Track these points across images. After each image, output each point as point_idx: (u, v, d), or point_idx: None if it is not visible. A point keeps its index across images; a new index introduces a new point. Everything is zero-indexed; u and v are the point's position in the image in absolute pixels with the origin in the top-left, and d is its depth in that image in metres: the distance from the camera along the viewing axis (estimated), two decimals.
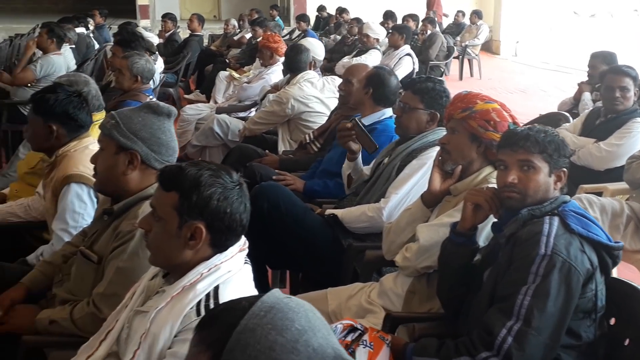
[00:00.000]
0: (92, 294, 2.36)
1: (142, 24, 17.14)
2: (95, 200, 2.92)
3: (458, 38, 13.18)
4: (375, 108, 3.96)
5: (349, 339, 2.18)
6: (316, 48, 5.77)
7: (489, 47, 16.62)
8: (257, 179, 3.89)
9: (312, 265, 3.31)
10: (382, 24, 10.15)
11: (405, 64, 7.91)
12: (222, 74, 8.87)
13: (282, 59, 6.89)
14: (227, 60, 10.13)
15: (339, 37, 12.97)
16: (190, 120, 6.90)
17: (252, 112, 6.89)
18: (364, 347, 2.14)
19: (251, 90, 6.97)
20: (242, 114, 6.68)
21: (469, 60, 13.08)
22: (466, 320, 2.31)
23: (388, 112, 3.99)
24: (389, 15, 11.41)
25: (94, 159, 2.39)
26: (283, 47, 6.91)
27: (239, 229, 1.86)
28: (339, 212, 3.24)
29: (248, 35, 10.92)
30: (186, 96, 9.59)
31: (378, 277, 2.96)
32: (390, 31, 8.56)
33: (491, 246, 2.34)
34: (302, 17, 12.01)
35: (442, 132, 3.21)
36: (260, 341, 1.10)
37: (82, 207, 2.88)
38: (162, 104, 2.48)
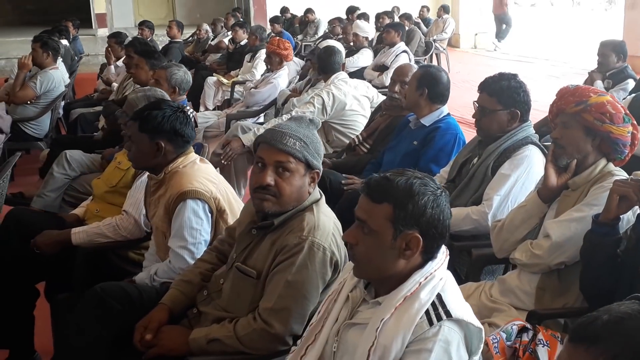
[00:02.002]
0: (255, 309, 2.37)
1: (100, 33, 16.85)
2: (210, 215, 2.91)
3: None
4: (433, 107, 4.03)
5: (525, 338, 2.24)
6: (340, 49, 5.80)
7: (449, 41, 16.89)
8: (327, 185, 3.92)
9: None
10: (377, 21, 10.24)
11: (402, 61, 7.98)
12: (210, 80, 8.85)
13: (288, 64, 6.96)
14: (207, 66, 10.07)
15: (307, 38, 13.07)
16: (198, 129, 6.85)
17: (262, 118, 6.90)
18: (542, 347, 2.21)
19: (259, 96, 6.96)
20: (251, 120, 6.67)
21: (436, 54, 13.30)
22: None
23: (445, 109, 4.07)
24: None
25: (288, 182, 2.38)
26: (292, 54, 6.95)
27: (447, 235, 1.91)
28: None
29: (226, 39, 10.87)
30: None
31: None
32: (386, 29, 8.63)
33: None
34: (276, 19, 12.03)
35: (529, 129, 3.31)
36: None
37: (199, 223, 2.86)
38: (308, 116, 2.49)
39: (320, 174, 2.44)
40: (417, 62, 10.25)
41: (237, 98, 8.40)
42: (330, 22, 10.91)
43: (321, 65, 5.27)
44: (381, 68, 8.20)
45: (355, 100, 5.14)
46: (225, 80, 8.93)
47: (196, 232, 2.86)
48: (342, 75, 5.27)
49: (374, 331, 1.82)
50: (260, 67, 8.70)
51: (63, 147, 5.42)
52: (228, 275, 2.50)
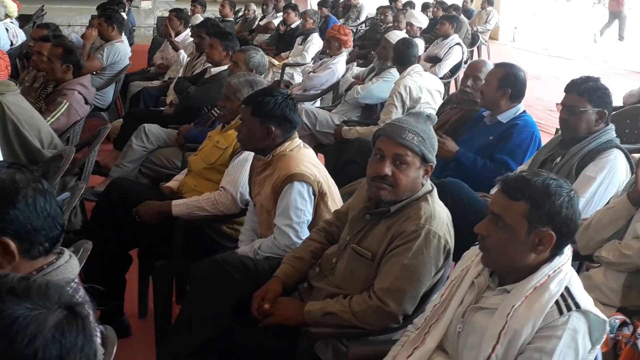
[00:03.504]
0: (368, 288, 2.56)
1: (143, 5, 17.01)
2: (312, 198, 3.09)
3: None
4: (511, 105, 4.18)
5: (626, 332, 2.42)
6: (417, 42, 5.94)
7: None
8: None
9: None
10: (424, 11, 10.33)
11: (456, 53, 8.14)
12: None
13: (348, 50, 7.11)
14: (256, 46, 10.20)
15: (349, 23, 13.16)
16: None
17: (318, 102, 7.07)
18: None
19: (317, 80, 7.13)
20: (308, 103, 6.82)
21: (477, 47, 13.35)
22: None
23: (522, 106, 4.22)
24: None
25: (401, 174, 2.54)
26: (351, 40, 7.10)
27: (575, 233, 2.08)
28: None
29: (276, 21, 11.01)
30: None
31: None
32: (441, 20, 8.74)
33: None
34: (324, 3, 12.11)
35: (612, 132, 3.47)
36: None
37: (303, 204, 3.05)
38: (425, 112, 2.67)
39: (434, 167, 2.62)
40: None
41: (286, 80, 8.58)
42: (379, 10, 11.00)
43: (398, 57, 5.40)
44: (433, 60, 8.33)
45: (428, 93, 5.30)
46: (276, 62, 9.09)
47: (301, 212, 3.05)
48: (417, 67, 5.43)
49: (504, 316, 2.00)
50: (311, 50, 8.88)
51: (136, 119, 5.65)
52: (342, 255, 2.69)
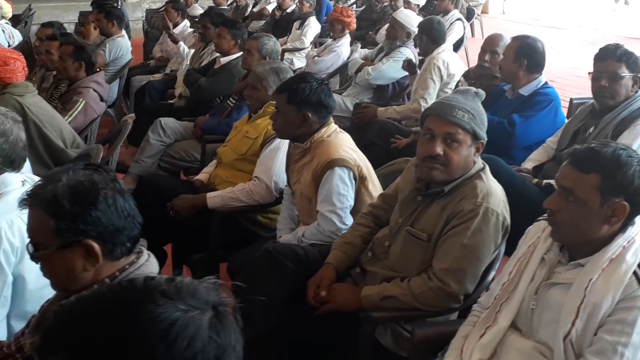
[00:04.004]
0: (426, 269, 2.54)
1: None
2: (353, 182, 3.07)
3: None
4: (531, 77, 4.17)
5: None
6: (411, 20, 5.90)
7: None
8: None
9: None
10: None
11: (457, 29, 8.10)
12: None
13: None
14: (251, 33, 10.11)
15: (340, 4, 13.04)
16: None
17: None
18: None
19: (323, 64, 7.08)
20: None
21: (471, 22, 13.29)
22: None
23: (543, 78, 4.20)
24: None
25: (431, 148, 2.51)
26: (354, 22, 7.05)
27: None
28: (555, 182, 3.43)
29: (269, 7, 10.91)
30: None
31: None
32: None
33: None
34: None
35: None
36: None
37: (345, 189, 3.03)
38: (473, 89, 2.64)
39: (485, 144, 2.60)
40: None
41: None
42: None
43: (433, 35, 5.31)
44: None
45: (458, 70, 5.26)
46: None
47: (343, 197, 3.03)
48: (448, 45, 5.47)
49: (582, 290, 1.99)
50: (309, 34, 8.81)
51: (148, 114, 5.59)
52: (395, 238, 2.67)
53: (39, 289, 2.25)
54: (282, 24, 9.87)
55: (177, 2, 8.35)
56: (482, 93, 2.64)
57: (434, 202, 2.59)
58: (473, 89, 2.64)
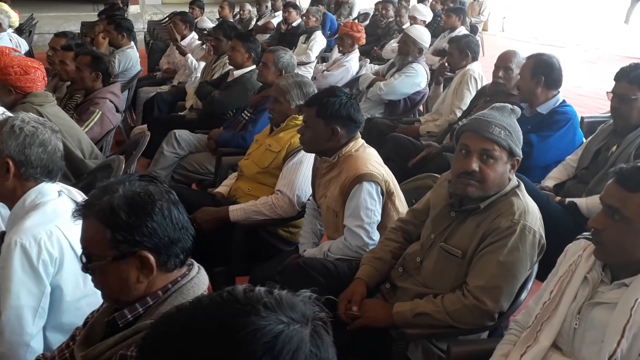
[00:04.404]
0: (459, 286, 2.54)
1: (132, 10, 16.85)
2: (381, 197, 3.06)
3: None
4: (549, 94, 4.18)
5: None
6: (423, 35, 5.93)
7: None
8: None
9: (554, 251, 3.52)
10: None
11: None
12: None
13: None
14: None
15: (341, 19, 13.11)
16: None
17: None
18: None
19: (332, 78, 7.08)
20: None
21: None
22: None
23: (561, 96, 4.21)
24: None
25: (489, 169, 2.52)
26: (364, 37, 7.08)
27: None
28: (579, 201, 3.45)
29: (274, 20, 10.95)
30: None
31: None
32: (447, 13, 8.73)
33: None
34: (320, 1, 12.06)
35: None
36: None
37: (373, 204, 3.03)
38: (509, 105, 2.65)
39: (520, 161, 2.60)
40: None
41: None
42: (379, 5, 10.95)
43: (466, 51, 5.42)
44: (441, 53, 8.29)
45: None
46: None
47: (371, 212, 3.03)
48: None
49: (628, 310, 1.98)
50: (315, 48, 8.83)
51: (160, 126, 5.58)
52: (428, 254, 2.67)
53: (76, 300, 2.24)
54: (287, 38, 9.89)
55: (185, 15, 8.36)
56: (518, 110, 2.65)
57: (468, 219, 2.59)
58: (509, 105, 2.65)
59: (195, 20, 9.80)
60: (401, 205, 3.15)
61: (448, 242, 2.60)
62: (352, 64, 7.07)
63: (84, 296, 2.26)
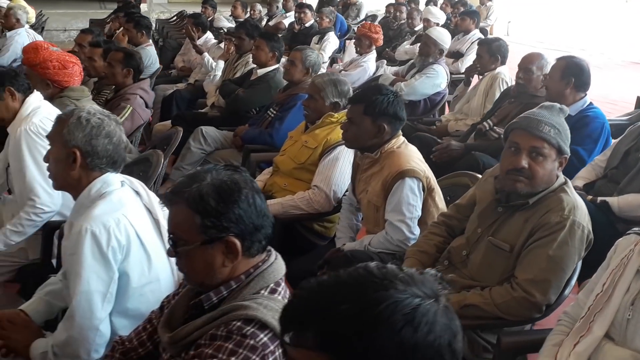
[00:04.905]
0: (507, 279, 2.60)
1: (141, 8, 16.89)
2: (422, 193, 3.13)
3: None
4: (577, 96, 4.25)
5: None
6: (444, 37, 6.01)
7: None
8: (480, 168, 4.14)
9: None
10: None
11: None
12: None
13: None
14: None
15: (349, 20, 13.18)
16: None
17: None
18: None
19: (349, 78, 7.06)
20: None
21: None
22: None
23: (588, 98, 4.28)
24: None
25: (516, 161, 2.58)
26: (381, 38, 7.15)
27: None
28: (611, 200, 3.51)
29: (286, 21, 11.01)
30: None
31: None
32: (461, 16, 8.80)
33: None
34: (330, 2, 12.12)
35: None
36: None
37: (414, 200, 3.10)
38: (557, 105, 2.72)
39: (568, 159, 2.66)
40: None
41: None
42: (392, 6, 11.03)
43: (496, 54, 5.52)
44: (455, 55, 8.38)
45: None
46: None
47: (412, 207, 3.10)
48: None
49: None
50: (328, 49, 8.91)
51: (184, 122, 5.63)
52: (475, 248, 2.73)
53: (140, 286, 2.30)
54: (299, 38, 9.94)
55: (198, 17, 8.39)
56: (566, 109, 2.72)
57: (516, 214, 2.65)
58: (558, 104, 2.72)
59: (209, 19, 9.90)
60: (440, 201, 3.21)
61: (496, 236, 2.67)
62: (370, 64, 7.14)
63: (148, 283, 2.32)
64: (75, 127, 2.34)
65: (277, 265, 1.84)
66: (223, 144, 5.13)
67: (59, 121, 2.39)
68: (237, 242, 1.74)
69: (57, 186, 2.47)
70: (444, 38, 6.00)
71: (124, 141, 2.45)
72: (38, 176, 3.16)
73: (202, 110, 6.28)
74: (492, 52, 5.45)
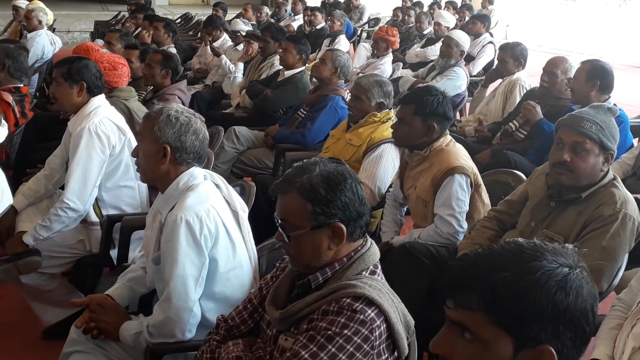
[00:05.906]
0: None
1: None
2: (470, 189, 3.30)
3: None
4: (602, 98, 4.43)
5: None
6: (465, 39, 6.20)
7: None
8: (512, 166, 4.31)
9: None
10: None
11: (488, 52, 8.39)
12: None
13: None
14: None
15: (351, 24, 13.36)
16: None
17: None
18: None
19: None
20: None
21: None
22: None
23: (611, 100, 4.46)
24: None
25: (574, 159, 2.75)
26: (398, 41, 7.33)
27: None
28: None
29: (294, 24, 11.17)
30: None
31: None
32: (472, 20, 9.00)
33: None
34: (336, 5, 12.30)
35: None
36: None
37: (463, 195, 3.26)
38: (606, 105, 2.89)
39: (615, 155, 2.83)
40: None
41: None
42: (400, 10, 11.23)
43: (519, 57, 5.64)
44: (466, 58, 8.55)
45: None
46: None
47: (461, 202, 3.26)
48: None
49: None
50: None
51: (213, 123, 5.78)
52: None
53: (226, 272, 2.46)
54: (310, 40, 10.04)
55: (216, 20, 8.52)
56: (615, 109, 2.89)
57: (569, 207, 2.82)
58: (606, 104, 2.89)
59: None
60: (486, 197, 3.38)
61: (550, 229, 2.84)
62: (386, 67, 7.31)
63: (232, 268, 2.48)
64: (165, 124, 2.49)
65: (373, 249, 2.01)
66: (255, 143, 5.28)
67: (148, 118, 2.54)
68: (344, 228, 1.90)
69: (146, 179, 2.62)
70: (465, 40, 6.20)
71: (207, 138, 2.60)
72: (79, 172, 3.28)
73: (228, 111, 6.43)
74: (515, 56, 5.62)
